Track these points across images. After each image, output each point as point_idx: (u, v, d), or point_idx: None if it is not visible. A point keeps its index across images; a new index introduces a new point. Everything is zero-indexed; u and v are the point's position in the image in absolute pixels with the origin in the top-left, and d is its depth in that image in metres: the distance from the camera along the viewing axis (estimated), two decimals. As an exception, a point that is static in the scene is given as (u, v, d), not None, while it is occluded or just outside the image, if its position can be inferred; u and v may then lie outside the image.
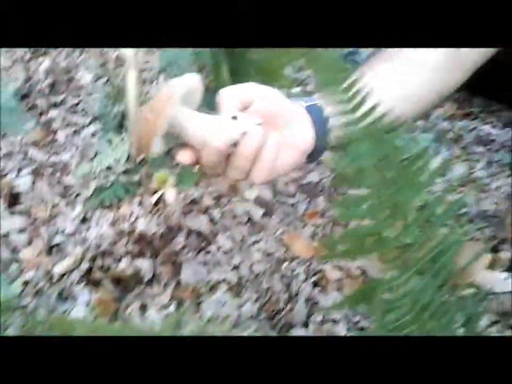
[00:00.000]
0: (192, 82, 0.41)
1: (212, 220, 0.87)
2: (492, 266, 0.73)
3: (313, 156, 0.46)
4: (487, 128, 1.13)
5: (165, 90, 0.40)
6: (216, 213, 0.87)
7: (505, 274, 0.71)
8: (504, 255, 0.74)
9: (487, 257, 0.73)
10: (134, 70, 1.01)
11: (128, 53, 1.08)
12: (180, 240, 0.78)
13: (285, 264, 0.78)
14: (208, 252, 0.79)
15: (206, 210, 0.88)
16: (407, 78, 0.51)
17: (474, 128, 1.14)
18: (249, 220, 0.88)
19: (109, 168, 1.02)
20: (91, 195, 0.94)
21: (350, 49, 1.50)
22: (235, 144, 0.39)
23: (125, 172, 0.99)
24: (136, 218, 0.84)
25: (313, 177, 0.97)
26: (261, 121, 0.40)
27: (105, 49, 1.44)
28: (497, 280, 0.69)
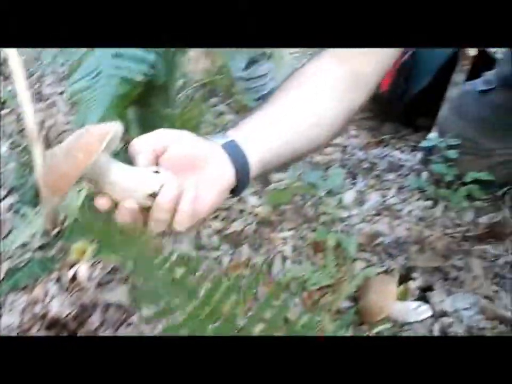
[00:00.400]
0: (116, 129, 0.40)
1: (133, 287, 0.84)
2: (404, 296, 0.76)
3: (236, 191, 0.48)
4: (397, 153, 1.21)
5: (95, 129, 0.39)
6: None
7: (416, 304, 0.74)
8: (414, 284, 0.78)
9: (398, 289, 0.76)
10: (38, 143, 0.98)
11: (31, 128, 1.05)
12: (97, 317, 0.74)
13: (210, 325, 0.77)
14: (129, 324, 0.76)
15: (127, 278, 0.86)
16: (317, 102, 0.54)
17: (386, 155, 1.21)
18: (173, 280, 0.86)
19: (24, 245, 0.97)
20: (3, 278, 0.89)
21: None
22: (153, 197, 0.39)
23: (41, 247, 0.95)
24: (52, 298, 0.80)
25: (236, 226, 0.98)
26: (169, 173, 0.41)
27: (21, 115, 1.40)
28: (409, 311, 0.72)
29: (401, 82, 1.15)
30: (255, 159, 0.47)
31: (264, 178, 1.09)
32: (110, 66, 0.75)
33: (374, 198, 1.03)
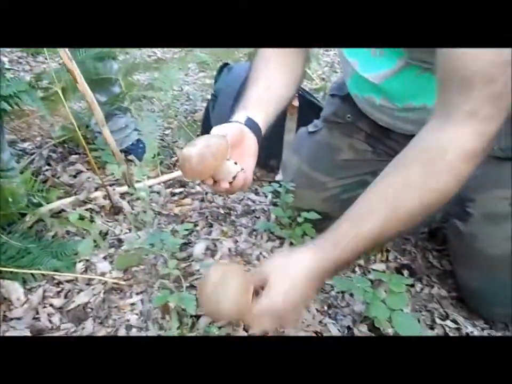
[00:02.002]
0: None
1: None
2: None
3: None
4: (252, 196, 1.28)
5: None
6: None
7: None
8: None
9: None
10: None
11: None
12: None
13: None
14: None
15: None
16: (278, 83, 0.80)
17: (242, 199, 1.27)
18: None
19: None
20: None
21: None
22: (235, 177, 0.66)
23: None
24: None
25: (82, 298, 0.93)
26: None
27: None
28: None
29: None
30: (262, 125, 0.73)
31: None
32: None
33: (226, 246, 1.06)
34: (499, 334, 0.86)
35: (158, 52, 2.76)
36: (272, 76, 0.78)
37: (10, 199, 0.97)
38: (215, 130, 0.67)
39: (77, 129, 1.10)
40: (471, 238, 0.87)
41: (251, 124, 0.71)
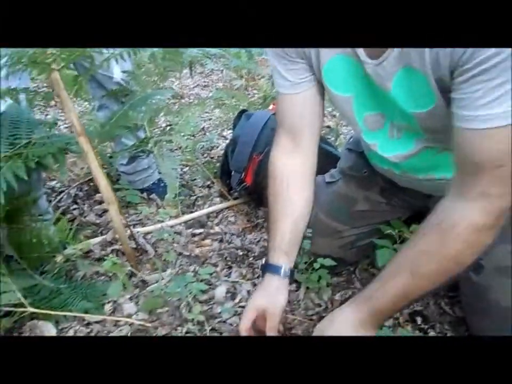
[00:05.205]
0: None
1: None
2: None
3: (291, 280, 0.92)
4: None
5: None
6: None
7: None
8: None
9: None
10: None
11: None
12: None
13: None
14: None
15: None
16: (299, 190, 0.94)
17: (260, 240, 1.33)
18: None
19: None
20: None
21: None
22: None
23: None
24: None
25: (110, 339, 0.98)
26: None
27: None
28: None
29: (261, 178, 1.31)
30: (293, 266, 0.89)
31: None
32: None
33: (245, 288, 1.11)
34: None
35: (176, 87, 2.89)
36: (296, 208, 0.89)
37: (46, 242, 1.04)
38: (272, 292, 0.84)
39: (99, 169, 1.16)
40: (484, 289, 0.90)
41: (291, 277, 0.87)
